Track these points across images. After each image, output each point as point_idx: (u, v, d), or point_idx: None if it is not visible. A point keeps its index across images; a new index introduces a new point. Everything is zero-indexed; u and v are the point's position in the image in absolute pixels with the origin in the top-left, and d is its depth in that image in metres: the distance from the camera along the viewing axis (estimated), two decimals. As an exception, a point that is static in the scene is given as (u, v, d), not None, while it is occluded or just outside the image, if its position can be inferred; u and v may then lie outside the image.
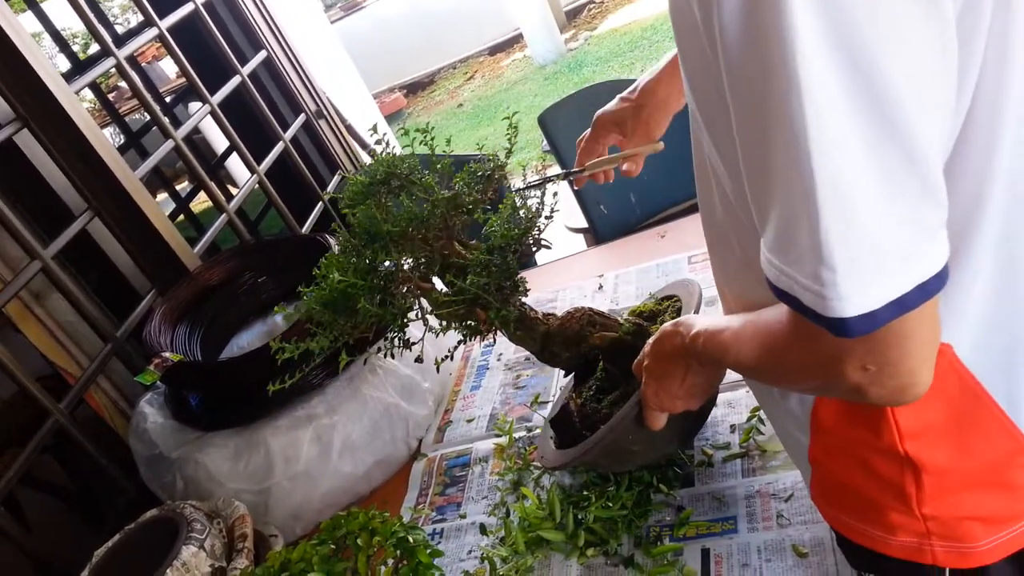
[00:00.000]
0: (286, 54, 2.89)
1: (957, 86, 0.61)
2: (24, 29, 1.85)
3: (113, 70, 2.09)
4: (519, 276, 1.24)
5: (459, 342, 1.29)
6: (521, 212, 1.26)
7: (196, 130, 2.62)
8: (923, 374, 0.64)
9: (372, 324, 1.18)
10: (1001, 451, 0.76)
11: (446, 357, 1.35)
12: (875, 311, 0.58)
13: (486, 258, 1.20)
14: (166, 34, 2.27)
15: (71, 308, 1.95)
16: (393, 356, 1.28)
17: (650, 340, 1.07)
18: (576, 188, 1.37)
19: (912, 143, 0.56)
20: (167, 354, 1.65)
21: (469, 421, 1.70)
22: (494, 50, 9.48)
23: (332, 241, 1.80)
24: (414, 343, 1.27)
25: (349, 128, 3.21)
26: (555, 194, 1.29)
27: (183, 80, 2.48)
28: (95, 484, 2.26)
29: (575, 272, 2.08)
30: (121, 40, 2.86)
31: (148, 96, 2.28)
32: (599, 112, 1.32)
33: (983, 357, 0.74)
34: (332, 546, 1.32)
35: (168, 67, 8.24)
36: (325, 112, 3.00)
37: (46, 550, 1.69)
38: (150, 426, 1.66)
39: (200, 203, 5.02)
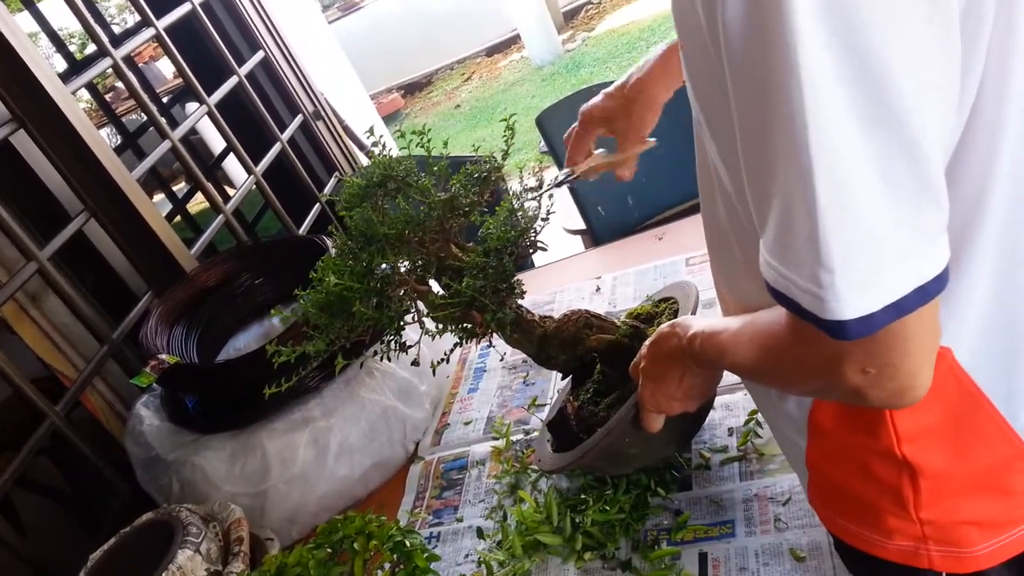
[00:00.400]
0: (283, 55, 2.88)
1: (960, 86, 0.60)
2: (20, 29, 1.85)
3: (110, 70, 2.09)
4: (515, 279, 1.24)
5: (455, 345, 1.29)
6: (519, 215, 1.26)
7: (193, 131, 2.62)
8: (923, 376, 0.63)
9: (368, 327, 1.18)
10: (999, 456, 0.76)
11: (442, 360, 1.34)
12: (873, 314, 0.58)
13: (482, 260, 1.20)
14: (163, 34, 2.26)
15: (67, 310, 1.94)
16: (389, 359, 1.27)
17: (646, 342, 1.06)
18: (571, 186, 1.35)
19: (914, 145, 0.56)
20: (163, 356, 1.64)
21: (466, 424, 1.70)
22: (491, 51, 9.48)
23: (329, 243, 1.79)
24: (410, 346, 1.27)
25: (347, 129, 3.21)
26: (551, 196, 1.28)
27: (180, 80, 2.47)
28: (91, 487, 2.25)
29: (573, 274, 2.07)
30: (118, 40, 2.85)
31: (145, 96, 2.27)
32: (585, 107, 1.28)
33: (982, 361, 0.74)
34: (328, 550, 1.31)
35: (165, 67, 8.23)
36: (322, 113, 2.99)
37: (42, 553, 1.68)
38: (146, 428, 1.65)
39: (197, 204, 5.02)
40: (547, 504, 1.34)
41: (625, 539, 1.26)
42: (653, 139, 1.27)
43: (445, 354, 1.34)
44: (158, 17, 2.26)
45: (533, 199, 1.27)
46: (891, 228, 0.57)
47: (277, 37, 2.88)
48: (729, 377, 1.41)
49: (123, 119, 4.53)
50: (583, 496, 1.33)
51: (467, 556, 1.38)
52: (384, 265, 1.21)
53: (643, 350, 1.07)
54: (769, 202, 0.61)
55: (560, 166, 1.30)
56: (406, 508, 1.56)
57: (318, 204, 2.70)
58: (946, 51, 0.57)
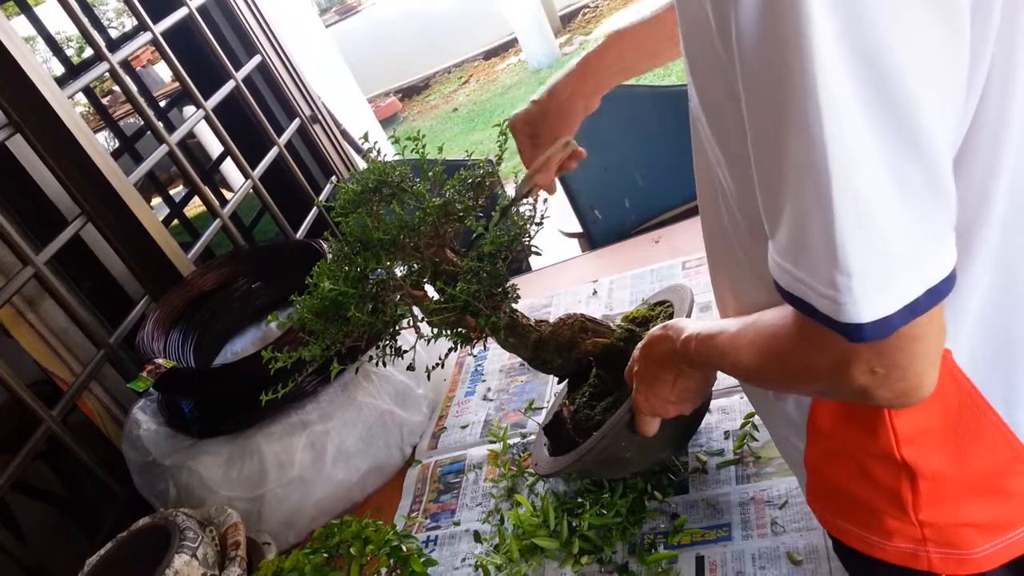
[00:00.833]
0: (281, 58, 2.89)
1: (967, 87, 0.61)
2: (16, 33, 1.85)
3: (107, 75, 2.09)
4: (510, 283, 1.24)
5: (450, 349, 1.29)
6: (513, 219, 1.26)
7: (191, 134, 2.62)
8: (930, 376, 0.64)
9: (364, 333, 1.18)
10: (998, 458, 0.76)
11: (437, 364, 1.35)
12: (889, 316, 0.58)
13: (476, 265, 1.20)
14: (160, 38, 2.26)
15: (64, 314, 1.94)
16: (385, 364, 1.28)
17: (639, 345, 1.06)
18: (550, 194, 1.33)
19: (927, 147, 0.56)
20: (160, 360, 1.64)
21: (463, 427, 1.70)
22: (489, 54, 9.48)
23: (326, 247, 1.79)
24: (406, 351, 1.27)
25: (344, 133, 3.21)
26: (545, 201, 1.28)
27: (178, 84, 2.47)
28: (88, 491, 2.25)
29: (570, 277, 2.08)
30: (115, 44, 2.85)
31: (142, 101, 2.28)
32: (510, 118, 1.28)
33: (981, 363, 0.74)
34: (325, 555, 1.31)
35: (163, 71, 8.22)
36: (320, 117, 3.00)
37: (40, 558, 1.68)
38: (143, 433, 1.65)
39: (195, 208, 5.02)
40: (544, 508, 1.34)
41: (622, 543, 1.26)
42: (569, 139, 1.24)
43: (440, 359, 1.34)
44: (155, 21, 2.26)
45: (527, 204, 1.27)
46: (905, 230, 0.57)
47: (274, 41, 2.88)
48: (725, 380, 1.41)
49: (121, 122, 4.54)
50: (580, 500, 1.33)
51: (464, 560, 1.38)
52: (379, 270, 1.21)
53: (636, 353, 1.07)
54: (782, 205, 0.61)
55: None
56: (403, 512, 1.56)
57: (315, 208, 2.70)
58: (956, 53, 0.58)
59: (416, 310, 1.26)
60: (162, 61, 2.76)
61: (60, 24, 3.67)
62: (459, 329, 1.23)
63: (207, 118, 2.37)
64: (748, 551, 1.16)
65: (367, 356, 1.29)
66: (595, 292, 1.93)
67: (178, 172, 2.28)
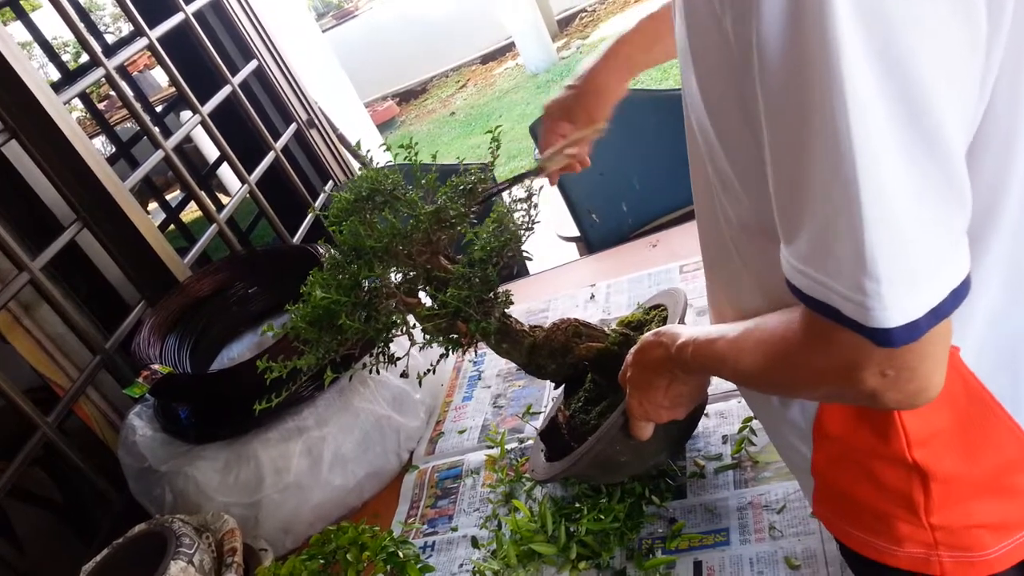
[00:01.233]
0: (277, 63, 2.89)
1: (979, 86, 0.61)
2: (11, 38, 1.85)
3: (103, 80, 2.09)
4: (502, 288, 1.24)
5: (441, 355, 1.29)
6: (508, 224, 1.26)
7: (187, 139, 2.62)
8: (938, 376, 0.64)
9: (357, 340, 1.18)
10: (1008, 457, 0.76)
11: (428, 370, 1.35)
12: (917, 320, 0.59)
13: (466, 271, 1.20)
14: (156, 44, 2.26)
15: (60, 320, 1.94)
16: (378, 372, 1.27)
17: (632, 350, 1.06)
18: (553, 185, 1.36)
19: (945, 149, 0.57)
20: (156, 366, 1.64)
21: (461, 432, 1.69)
22: (486, 58, 9.49)
23: (322, 251, 1.79)
24: (399, 358, 1.27)
25: (341, 137, 3.21)
26: (535, 205, 1.29)
27: (174, 89, 2.47)
28: (85, 498, 2.24)
29: (567, 282, 2.07)
30: (111, 50, 2.85)
31: (138, 106, 2.27)
32: (546, 102, 1.31)
33: (990, 362, 0.74)
34: (322, 561, 1.31)
35: (160, 76, 8.23)
36: (316, 121, 3.00)
37: (35, 564, 1.67)
38: (139, 439, 1.65)
39: (191, 213, 5.02)
40: (541, 513, 1.33)
41: (620, 548, 1.25)
42: (603, 125, 1.28)
43: (432, 365, 1.34)
44: (151, 27, 2.26)
45: (520, 210, 1.27)
46: (930, 234, 0.58)
47: (271, 46, 2.88)
48: (723, 385, 1.42)
49: (118, 127, 4.54)
50: (578, 505, 1.32)
51: (461, 566, 1.37)
52: (372, 278, 1.21)
53: (629, 358, 1.07)
54: (803, 211, 0.61)
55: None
56: (400, 518, 1.56)
57: (318, 203, 2.70)
58: (974, 54, 0.58)
59: (410, 317, 1.26)
60: (158, 66, 2.76)
61: (56, 29, 3.66)
62: (452, 335, 1.23)
63: (203, 123, 2.37)
64: (746, 556, 1.15)
65: (360, 364, 1.29)
66: (592, 296, 1.92)
67: (174, 177, 2.28)
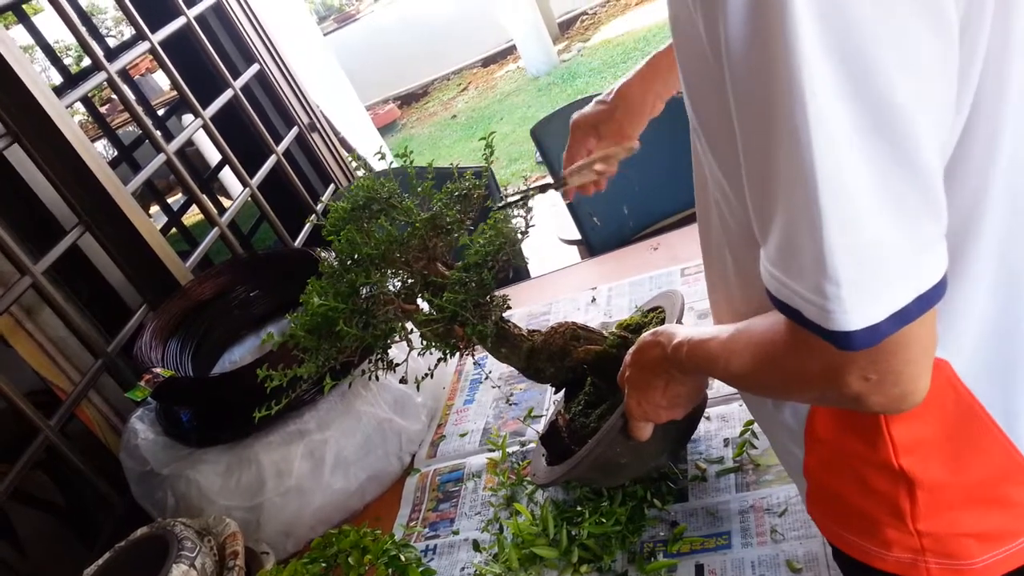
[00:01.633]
0: (279, 67, 2.89)
1: (957, 93, 0.61)
2: (14, 42, 1.85)
3: (105, 84, 2.09)
4: (501, 292, 1.24)
5: (439, 360, 1.29)
6: (505, 229, 1.26)
7: (189, 143, 2.62)
8: (923, 380, 0.64)
9: (356, 347, 1.18)
10: (997, 468, 0.76)
11: (426, 375, 1.35)
12: (878, 324, 0.58)
13: (462, 275, 1.20)
14: (158, 48, 2.27)
15: (62, 323, 1.94)
16: (377, 378, 1.27)
17: (630, 351, 1.06)
18: (568, 201, 1.34)
19: (914, 156, 0.56)
20: (158, 369, 1.64)
21: (462, 436, 1.69)
22: (487, 61, 9.50)
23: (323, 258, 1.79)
24: (397, 364, 1.27)
25: (342, 141, 3.22)
26: (530, 209, 1.28)
27: (176, 93, 2.48)
28: (87, 501, 2.24)
29: (568, 284, 2.07)
30: (113, 54, 2.85)
31: (140, 110, 2.28)
32: (574, 116, 1.29)
33: (980, 373, 0.73)
34: (323, 564, 1.31)
35: (162, 79, 8.24)
36: (318, 125, 3.00)
37: (37, 567, 1.67)
38: (141, 442, 1.65)
39: (193, 216, 5.02)
40: (543, 516, 1.33)
41: (621, 551, 1.25)
42: (636, 143, 1.26)
43: (429, 369, 1.34)
44: (153, 30, 2.27)
45: (518, 202, 1.27)
46: (892, 239, 0.57)
47: (272, 49, 2.89)
48: (724, 388, 1.42)
49: (120, 131, 4.55)
50: (579, 508, 1.32)
51: (463, 569, 1.37)
52: (370, 285, 1.21)
53: (627, 359, 1.07)
54: (771, 213, 0.61)
55: (555, 177, 1.30)
56: (402, 521, 1.56)
57: (314, 215, 2.70)
58: (946, 63, 0.57)
59: (409, 324, 1.26)
60: (160, 70, 2.77)
61: (58, 33, 3.67)
62: (449, 340, 1.23)
63: (205, 127, 2.38)
64: (748, 559, 1.15)
65: (359, 370, 1.29)
66: (594, 299, 1.92)
67: (176, 180, 2.28)
